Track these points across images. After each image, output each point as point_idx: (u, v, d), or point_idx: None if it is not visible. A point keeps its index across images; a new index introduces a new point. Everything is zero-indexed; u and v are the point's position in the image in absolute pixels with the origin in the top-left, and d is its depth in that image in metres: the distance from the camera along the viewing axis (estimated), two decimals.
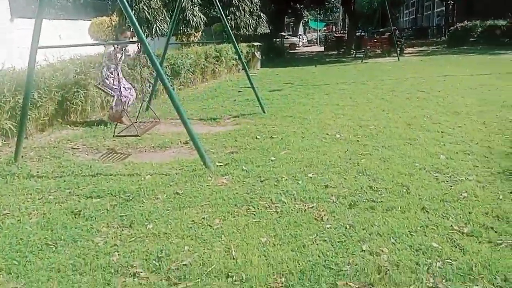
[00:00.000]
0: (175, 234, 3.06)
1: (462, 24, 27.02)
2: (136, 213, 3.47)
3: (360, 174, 4.20)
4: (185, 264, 2.63)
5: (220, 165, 4.65)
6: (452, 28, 28.54)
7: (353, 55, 22.91)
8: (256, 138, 5.90)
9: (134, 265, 2.67)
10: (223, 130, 6.56)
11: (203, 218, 3.31)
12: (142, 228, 3.20)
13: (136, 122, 5.56)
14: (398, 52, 19.78)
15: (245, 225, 3.14)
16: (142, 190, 3.97)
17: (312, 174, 4.22)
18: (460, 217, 3.13)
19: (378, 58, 20.58)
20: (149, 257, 2.75)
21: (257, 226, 3.12)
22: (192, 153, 5.16)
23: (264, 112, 7.66)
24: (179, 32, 13.55)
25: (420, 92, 9.13)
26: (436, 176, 4.08)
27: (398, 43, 20.83)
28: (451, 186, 3.77)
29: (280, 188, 3.89)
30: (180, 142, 5.82)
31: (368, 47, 20.91)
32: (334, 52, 27.54)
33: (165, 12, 11.81)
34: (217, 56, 13.75)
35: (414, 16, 60.11)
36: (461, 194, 3.56)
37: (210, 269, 2.55)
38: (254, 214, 3.33)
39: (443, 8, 40.72)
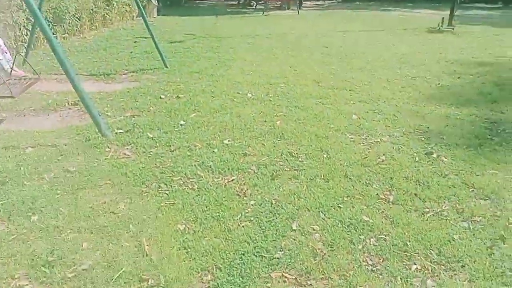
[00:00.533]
0: (69, 227, 2.47)
1: None
2: (15, 200, 2.76)
3: (278, 139, 3.94)
4: (84, 269, 2.10)
5: (120, 132, 4.01)
6: None
7: (254, 7, 22.40)
8: (160, 97, 5.27)
9: (17, 275, 2.07)
10: (120, 88, 5.77)
11: (104, 202, 2.75)
12: (24, 221, 2.54)
13: (9, 79, 4.51)
14: (298, 5, 19.78)
15: (157, 209, 2.67)
16: (22, 168, 3.21)
17: (228, 141, 3.85)
18: (383, 183, 3.06)
19: (278, 11, 20.40)
20: (36, 262, 2.16)
21: (172, 209, 2.67)
22: (84, 117, 4.41)
23: (166, 66, 6.93)
24: None
25: (323, 48, 9.14)
26: (352, 138, 4.01)
27: None
28: (368, 149, 3.71)
29: (195, 159, 3.45)
30: (68, 103, 4.95)
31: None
32: (234, 3, 26.62)
33: None
34: (108, 0, 12.17)
35: None
36: (379, 158, 3.52)
37: (118, 273, 2.07)
38: (167, 194, 2.87)
39: None
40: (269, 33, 11.62)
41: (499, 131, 4.14)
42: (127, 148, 3.68)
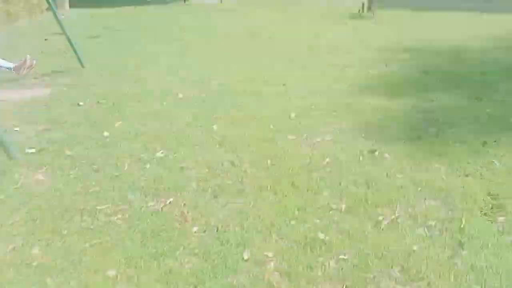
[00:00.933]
0: None
1: None
2: None
3: (217, 145, 3.63)
4: None
5: (32, 152, 3.45)
6: None
7: None
8: (78, 105, 4.69)
9: None
10: (29, 96, 5.06)
11: (13, 249, 2.26)
12: None
13: None
14: None
15: (81, 251, 2.24)
16: None
17: (162, 152, 3.46)
18: (333, 190, 2.90)
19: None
20: None
21: (100, 249, 2.26)
22: None
23: (83, 66, 6.26)
24: None
25: (252, 39, 8.88)
26: (294, 138, 3.81)
27: None
28: (312, 151, 3.54)
29: (123, 179, 3.02)
30: None
31: None
32: None
33: None
34: None
35: None
36: (324, 160, 3.36)
37: None
38: (92, 229, 2.44)
39: None
40: (196, 25, 11.12)
41: (433, 120, 4.19)
42: (41, 172, 3.15)
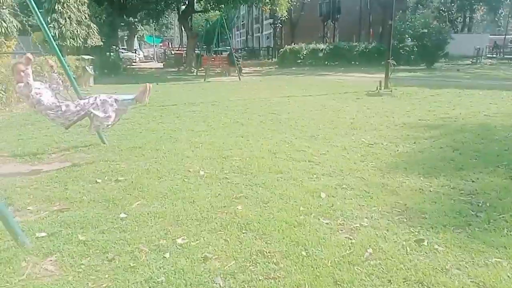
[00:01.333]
0: None
1: (290, 46, 29.50)
2: None
3: (243, 231, 3.29)
4: None
5: (43, 237, 3.15)
6: (282, 50, 30.90)
7: (195, 73, 22.44)
8: (96, 182, 4.48)
9: None
10: (47, 171, 4.90)
11: None
12: None
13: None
14: (238, 72, 20.01)
15: None
16: None
17: (183, 239, 3.12)
18: None
19: (218, 77, 20.55)
20: None
21: None
22: None
23: (104, 142, 6.16)
24: None
25: (272, 115, 8.87)
26: (328, 223, 3.46)
27: (237, 62, 21.17)
28: (350, 240, 3.16)
29: (140, 271, 2.67)
30: None
31: (209, 66, 20.66)
32: (174, 69, 26.64)
33: None
34: (38, 71, 11.28)
35: (245, 38, 64.02)
36: (366, 251, 2.97)
37: None
38: None
39: (271, 31, 44.14)
40: (214, 100, 11.31)
41: (479, 204, 3.81)
42: (51, 260, 2.83)
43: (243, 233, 3.26)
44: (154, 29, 50.26)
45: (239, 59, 23.56)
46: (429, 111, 9.00)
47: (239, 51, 42.97)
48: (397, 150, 5.79)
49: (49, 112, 4.82)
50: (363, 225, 3.41)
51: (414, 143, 6.19)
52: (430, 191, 4.22)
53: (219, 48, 25.26)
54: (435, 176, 4.63)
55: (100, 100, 4.87)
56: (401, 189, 4.25)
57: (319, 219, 3.53)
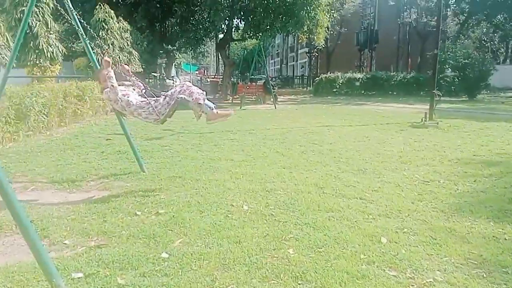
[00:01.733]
0: None
1: (326, 75, 29.29)
2: None
3: (299, 282, 2.89)
4: None
5: (79, 278, 2.87)
6: (317, 78, 30.72)
7: (231, 101, 22.51)
8: (136, 214, 4.23)
9: None
10: (85, 200, 4.71)
11: None
12: None
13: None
14: (274, 99, 19.87)
15: None
16: None
17: (231, 287, 2.77)
18: None
19: (254, 104, 20.46)
20: None
21: None
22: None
23: (143, 171, 5.97)
24: (29, 63, 11.05)
25: (313, 145, 8.51)
26: (395, 276, 3.01)
27: (273, 90, 21.07)
28: None
29: None
30: (15, 226, 3.81)
31: (245, 94, 20.66)
32: (210, 97, 26.70)
33: (9, 36, 9.36)
34: (80, 95, 11.51)
35: (279, 66, 64.66)
36: None
37: None
38: None
39: (306, 59, 44.32)
40: (251, 128, 11.09)
41: None
42: None
43: (299, 284, 2.87)
44: (191, 57, 51.55)
45: (274, 87, 23.54)
46: (482, 145, 8.38)
47: (274, 79, 43.28)
48: (457, 189, 5.26)
49: (140, 111, 4.65)
50: (437, 280, 2.95)
51: (474, 181, 5.65)
52: (505, 239, 3.70)
53: (256, 76, 25.35)
54: (507, 221, 4.10)
55: (187, 85, 4.72)
56: (471, 236, 3.75)
57: (384, 270, 3.10)
